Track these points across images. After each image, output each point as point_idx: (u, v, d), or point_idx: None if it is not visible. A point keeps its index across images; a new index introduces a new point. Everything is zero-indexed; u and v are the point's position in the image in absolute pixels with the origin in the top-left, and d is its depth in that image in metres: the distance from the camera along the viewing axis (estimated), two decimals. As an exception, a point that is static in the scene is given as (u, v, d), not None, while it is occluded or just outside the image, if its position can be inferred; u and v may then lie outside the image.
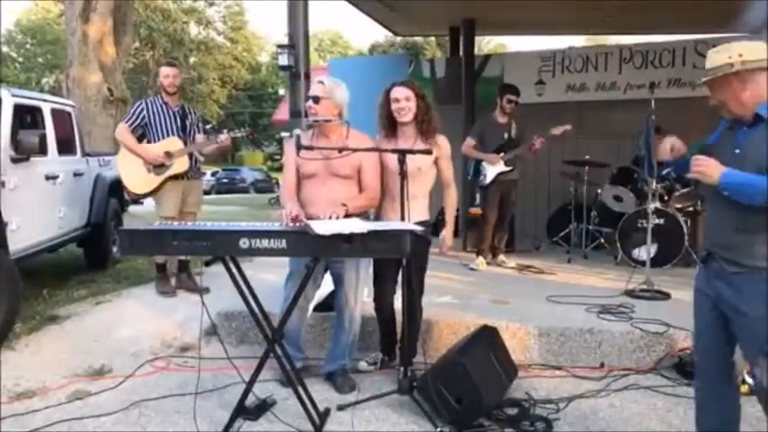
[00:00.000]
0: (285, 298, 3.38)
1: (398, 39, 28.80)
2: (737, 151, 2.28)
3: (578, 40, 17.89)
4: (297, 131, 3.24)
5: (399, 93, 3.39)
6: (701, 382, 2.47)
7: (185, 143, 4.75)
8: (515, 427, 2.94)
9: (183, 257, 4.98)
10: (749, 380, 3.38)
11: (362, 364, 3.72)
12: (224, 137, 4.77)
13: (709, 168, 2.22)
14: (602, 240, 6.59)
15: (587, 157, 6.52)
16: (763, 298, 2.18)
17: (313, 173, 3.34)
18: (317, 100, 3.31)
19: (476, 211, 6.37)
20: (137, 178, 4.72)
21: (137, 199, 5.24)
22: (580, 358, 3.76)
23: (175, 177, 4.72)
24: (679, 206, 5.90)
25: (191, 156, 4.81)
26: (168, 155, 4.64)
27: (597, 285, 5.03)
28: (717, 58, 2.27)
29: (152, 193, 4.77)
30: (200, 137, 4.92)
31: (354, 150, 3.21)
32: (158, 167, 4.67)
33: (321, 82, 3.37)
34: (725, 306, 2.30)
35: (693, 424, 2.55)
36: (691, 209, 5.95)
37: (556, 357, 3.80)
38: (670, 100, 6.63)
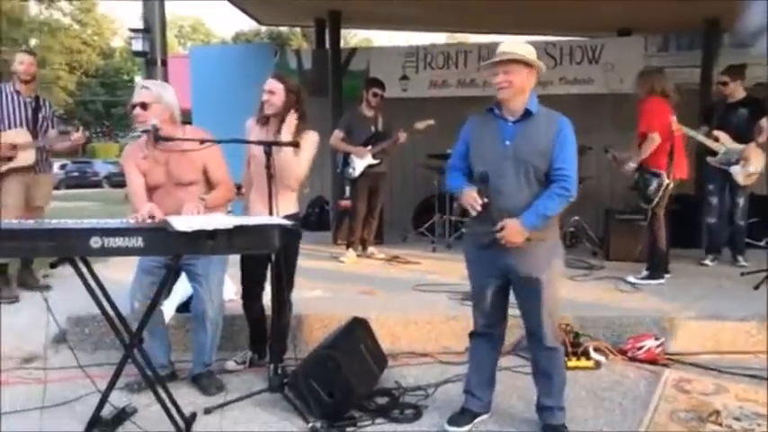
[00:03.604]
0: (131, 299, 3.18)
1: (264, 28, 28.16)
2: (507, 143, 2.65)
3: (440, 38, 18.57)
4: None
5: (267, 84, 3.33)
6: None
7: (35, 136, 4.35)
8: (386, 416, 2.99)
9: None
10: (595, 355, 3.69)
11: (230, 364, 3.60)
12: (78, 135, 4.43)
13: (512, 235, 2.57)
14: (464, 230, 6.88)
15: (449, 151, 6.75)
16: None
17: (156, 183, 3.14)
18: (144, 106, 3.08)
19: (345, 203, 6.39)
20: None
21: None
22: (446, 344, 3.90)
23: (17, 170, 4.31)
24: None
25: (40, 149, 4.43)
26: (13, 147, 4.23)
27: (460, 273, 5.22)
28: (520, 47, 2.68)
29: None
30: (52, 132, 4.56)
31: (220, 142, 3.08)
32: None
33: (146, 87, 3.16)
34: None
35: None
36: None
37: (423, 345, 3.92)
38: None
